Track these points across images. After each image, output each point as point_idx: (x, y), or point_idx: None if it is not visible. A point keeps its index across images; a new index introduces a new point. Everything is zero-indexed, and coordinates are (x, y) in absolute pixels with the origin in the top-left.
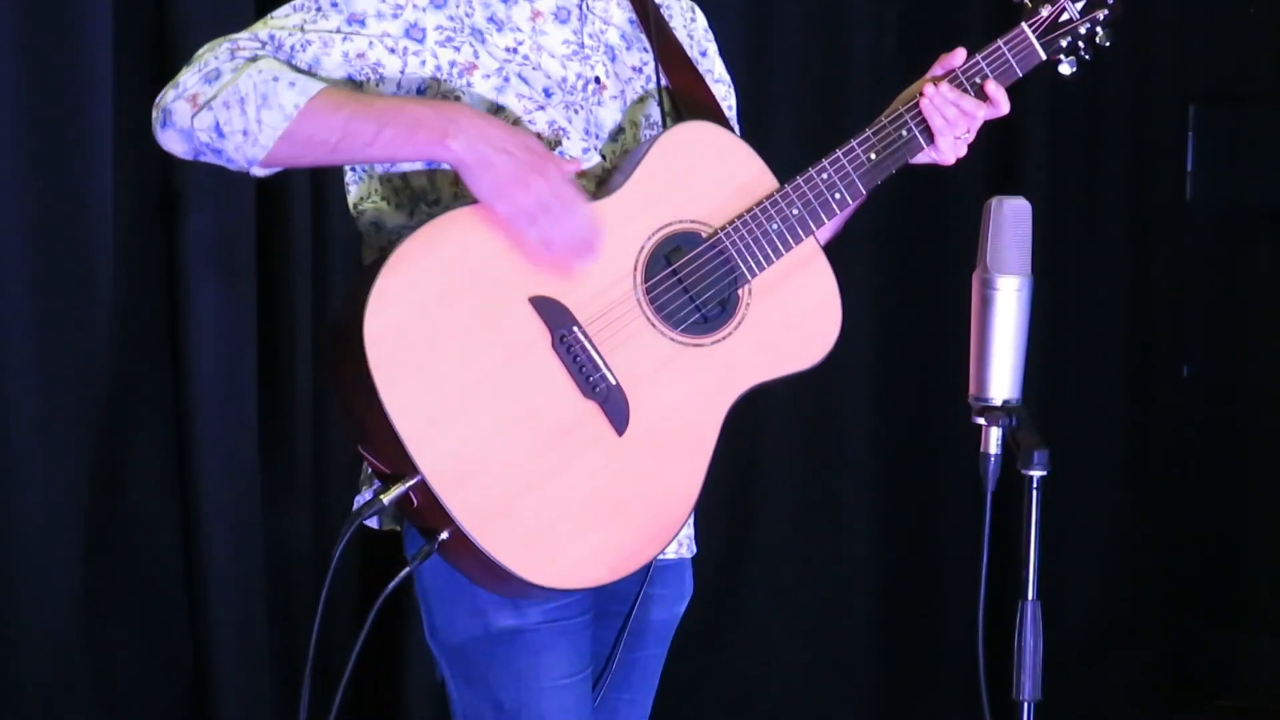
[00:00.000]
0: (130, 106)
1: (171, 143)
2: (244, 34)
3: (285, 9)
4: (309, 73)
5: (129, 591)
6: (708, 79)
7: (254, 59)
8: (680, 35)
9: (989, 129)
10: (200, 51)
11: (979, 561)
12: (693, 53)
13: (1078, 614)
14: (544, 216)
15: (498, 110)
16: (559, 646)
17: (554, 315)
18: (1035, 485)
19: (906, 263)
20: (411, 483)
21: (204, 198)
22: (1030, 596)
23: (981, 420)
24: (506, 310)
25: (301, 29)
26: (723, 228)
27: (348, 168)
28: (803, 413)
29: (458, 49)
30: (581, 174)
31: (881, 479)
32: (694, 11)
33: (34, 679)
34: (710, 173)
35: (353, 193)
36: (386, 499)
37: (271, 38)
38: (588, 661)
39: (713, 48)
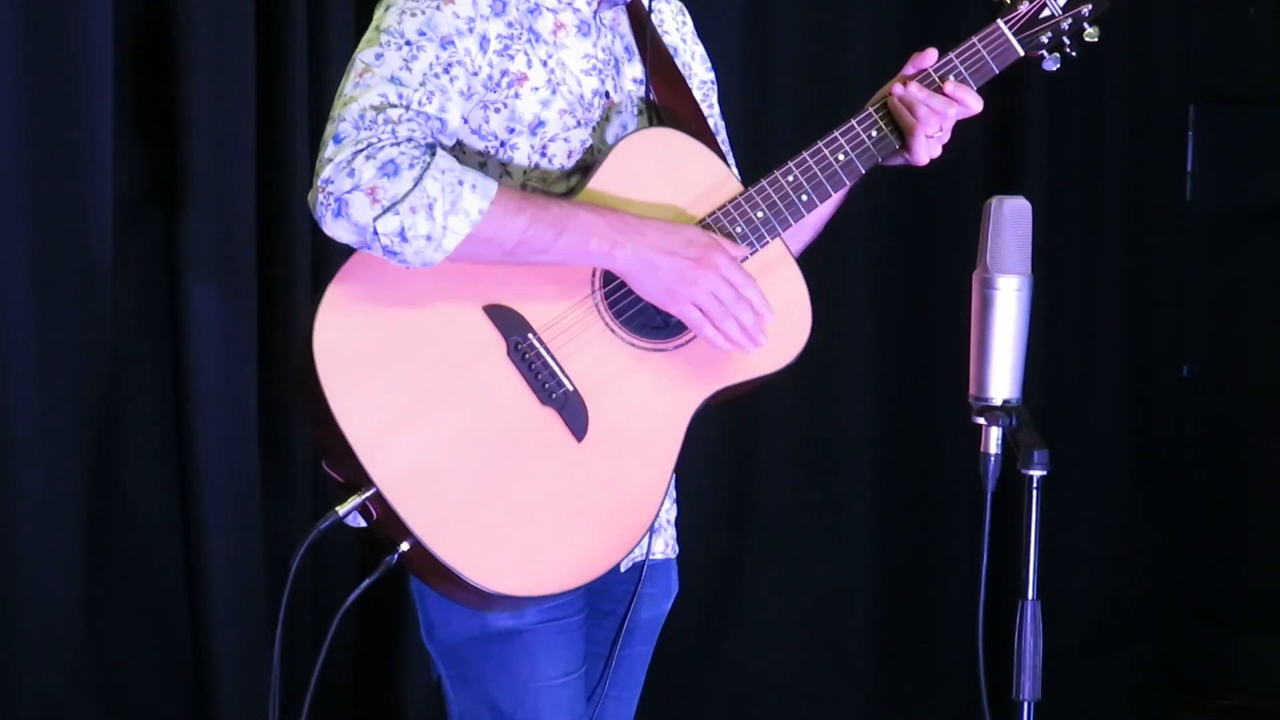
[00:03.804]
0: (130, 107)
1: (342, 233)
2: (381, 97)
3: (378, 51)
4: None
5: (129, 591)
6: (692, 82)
7: (431, 152)
8: (673, 39)
9: (988, 129)
10: (344, 113)
11: (979, 561)
12: (681, 58)
13: (1078, 614)
14: (716, 309)
15: (539, 125)
16: (556, 646)
17: (509, 323)
18: (1035, 485)
19: (906, 262)
20: (367, 494)
21: (204, 198)
22: (1030, 596)
23: (981, 420)
24: (460, 319)
25: (409, 69)
26: None
27: None
28: (802, 413)
29: (512, 57)
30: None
31: (881, 479)
32: (684, 14)
33: (34, 679)
34: (671, 177)
35: None
36: (342, 511)
37: (400, 96)
38: (582, 660)
39: (700, 49)
